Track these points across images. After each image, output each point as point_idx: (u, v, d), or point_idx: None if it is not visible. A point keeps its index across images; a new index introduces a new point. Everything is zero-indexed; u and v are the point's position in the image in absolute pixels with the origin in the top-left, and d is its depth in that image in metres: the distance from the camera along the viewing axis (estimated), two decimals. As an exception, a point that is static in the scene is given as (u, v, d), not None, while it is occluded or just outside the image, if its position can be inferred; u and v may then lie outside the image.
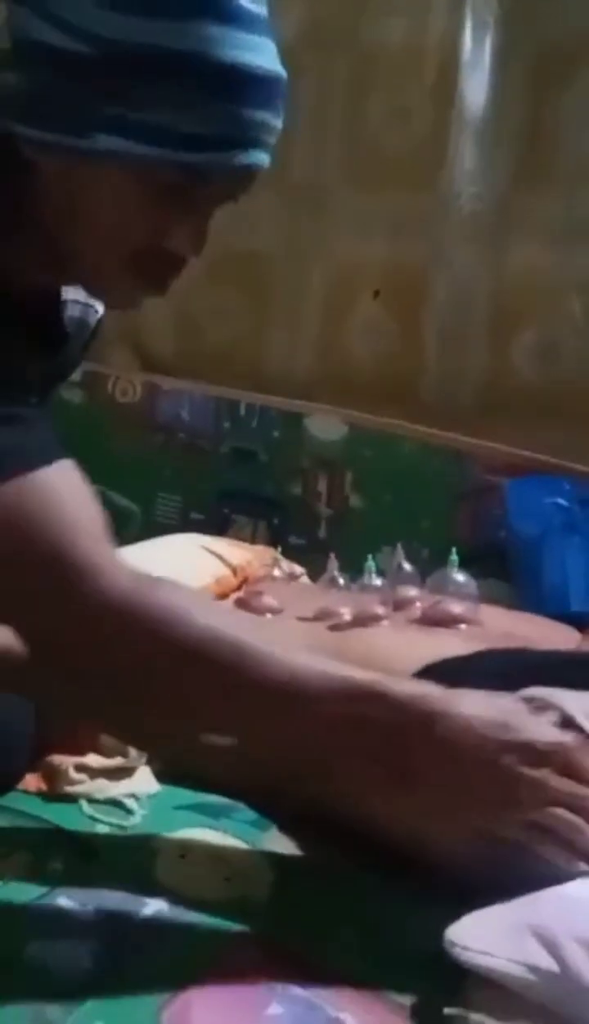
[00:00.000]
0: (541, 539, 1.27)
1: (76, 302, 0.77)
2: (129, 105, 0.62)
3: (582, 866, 0.67)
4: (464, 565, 1.21)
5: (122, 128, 0.63)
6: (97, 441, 1.81)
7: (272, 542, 1.64)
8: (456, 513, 1.48)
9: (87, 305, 0.80)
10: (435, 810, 0.69)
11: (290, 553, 1.46)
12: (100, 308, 0.83)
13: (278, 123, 0.68)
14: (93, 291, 0.75)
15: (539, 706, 0.71)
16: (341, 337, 1.62)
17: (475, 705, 0.67)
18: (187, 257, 0.70)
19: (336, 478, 1.62)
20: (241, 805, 0.86)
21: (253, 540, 1.65)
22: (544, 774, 0.65)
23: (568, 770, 0.66)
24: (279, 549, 1.19)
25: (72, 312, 0.77)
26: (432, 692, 0.68)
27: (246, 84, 0.64)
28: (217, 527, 1.65)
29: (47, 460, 0.66)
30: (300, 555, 1.45)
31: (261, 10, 0.65)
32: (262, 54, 0.65)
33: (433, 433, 1.50)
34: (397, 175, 1.56)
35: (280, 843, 0.82)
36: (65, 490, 0.66)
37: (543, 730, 0.67)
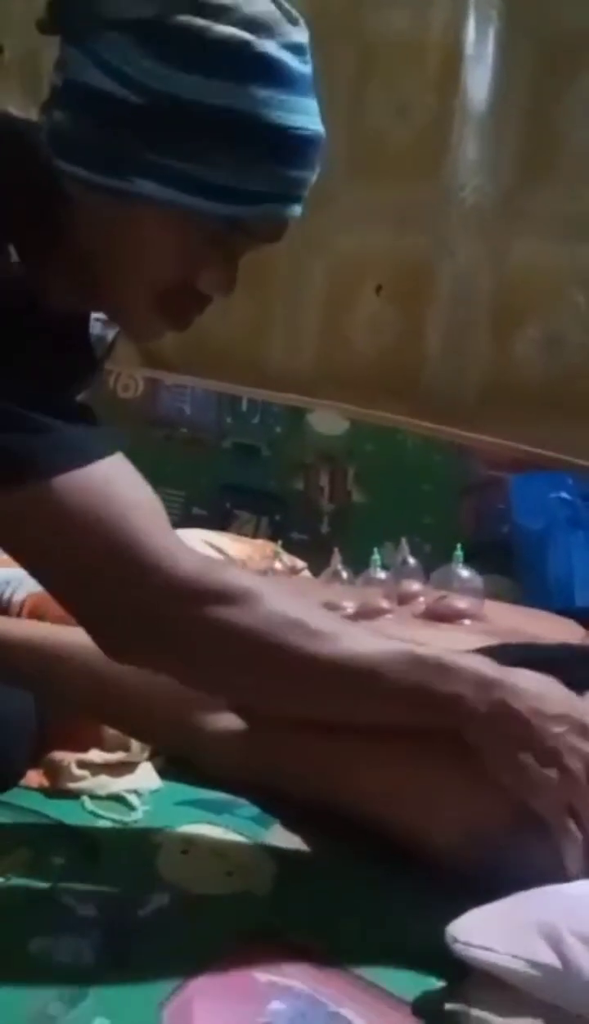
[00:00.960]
0: (545, 534, 1.26)
1: (97, 319, 0.78)
2: (171, 154, 0.64)
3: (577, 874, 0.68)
4: (467, 560, 1.21)
5: (162, 175, 0.64)
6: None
7: (274, 537, 1.64)
8: (459, 508, 1.48)
9: (107, 322, 0.81)
10: (488, 773, 0.70)
11: (293, 548, 1.46)
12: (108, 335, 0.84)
13: (314, 177, 0.70)
14: (118, 322, 0.76)
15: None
16: (343, 331, 1.62)
17: (530, 679, 0.70)
18: (212, 297, 0.72)
19: (338, 473, 1.61)
20: (243, 801, 0.86)
21: (255, 535, 1.65)
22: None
23: None
24: (280, 543, 1.18)
25: (93, 329, 0.78)
26: (489, 665, 0.71)
27: (289, 145, 0.66)
28: (219, 522, 1.64)
29: (101, 454, 0.67)
30: (303, 550, 1.45)
31: (307, 69, 0.67)
32: (306, 115, 0.66)
33: (435, 428, 1.50)
34: (400, 168, 1.55)
35: (282, 838, 0.82)
36: (123, 480, 0.69)
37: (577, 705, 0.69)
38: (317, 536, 1.62)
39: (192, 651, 0.70)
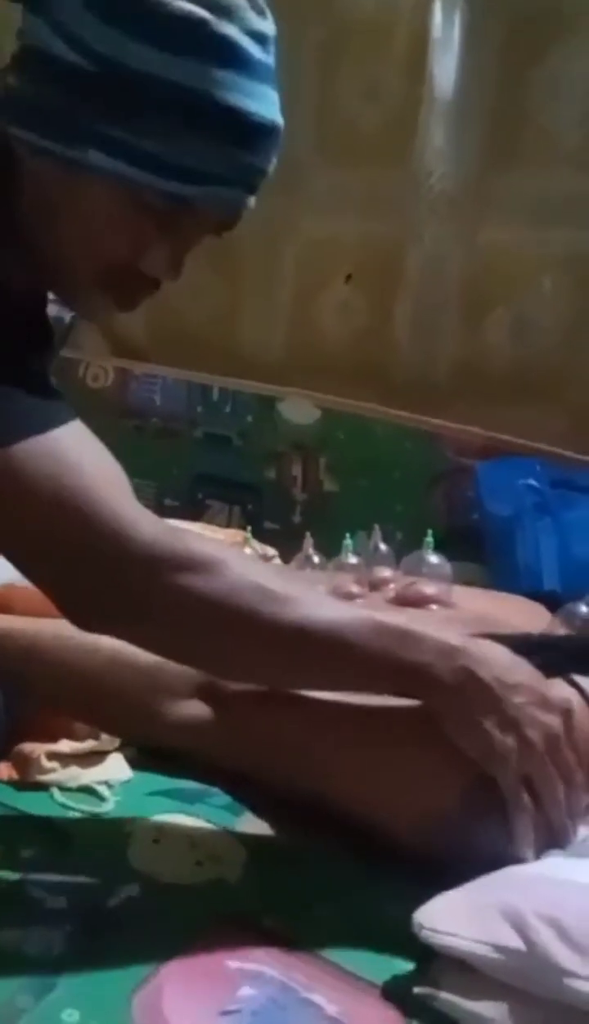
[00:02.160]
0: (514, 520, 1.27)
1: (55, 300, 0.77)
2: (124, 127, 0.63)
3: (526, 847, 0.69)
4: (439, 547, 1.21)
5: (113, 147, 0.63)
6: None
7: (246, 527, 1.64)
8: (430, 496, 1.48)
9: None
10: (449, 739, 0.71)
11: (265, 538, 1.45)
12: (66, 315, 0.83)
13: (269, 169, 0.69)
14: (63, 297, 0.75)
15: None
16: (314, 317, 1.62)
17: (494, 649, 0.71)
18: (161, 280, 0.71)
19: (310, 462, 1.61)
20: (215, 790, 0.86)
21: (228, 525, 1.64)
22: (554, 722, 0.69)
23: (569, 732, 0.69)
24: (249, 530, 1.18)
25: (50, 310, 0.77)
26: (455, 634, 0.72)
27: (244, 130, 0.65)
28: (192, 513, 1.64)
29: (60, 421, 0.67)
30: (275, 540, 1.45)
31: (269, 59, 0.66)
32: (264, 103, 0.66)
33: (406, 416, 1.50)
34: (368, 152, 1.55)
35: (254, 826, 0.82)
36: (84, 447, 0.68)
37: (555, 687, 0.71)
38: (290, 525, 1.62)
39: (156, 618, 0.69)
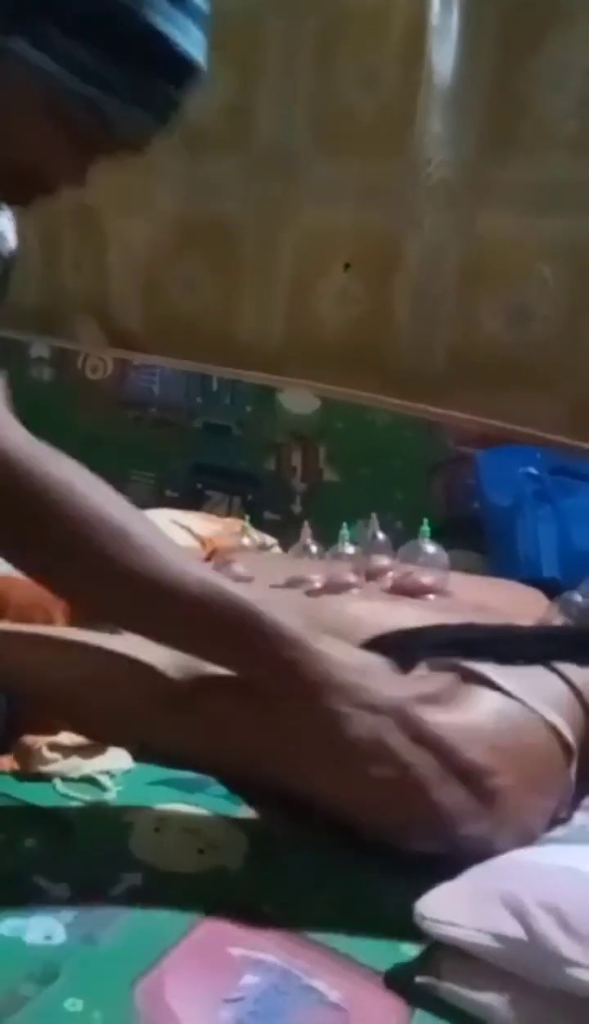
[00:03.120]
0: (513, 509, 1.27)
1: None
2: (54, 22, 0.63)
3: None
4: (438, 536, 1.21)
5: (41, 41, 0.63)
6: (67, 419, 1.79)
7: (255, 518, 1.64)
8: (430, 485, 1.48)
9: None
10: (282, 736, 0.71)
11: (265, 528, 1.45)
12: (10, 239, 0.82)
13: (182, 105, 0.69)
14: None
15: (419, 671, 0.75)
16: (312, 306, 1.61)
17: (337, 648, 0.70)
18: (58, 186, 0.70)
19: (310, 452, 1.61)
20: (214, 780, 0.86)
21: (228, 516, 1.64)
22: (383, 723, 0.68)
23: (405, 724, 0.68)
24: (248, 519, 1.18)
25: None
26: (301, 625, 0.71)
27: (168, 58, 0.65)
28: (191, 503, 1.64)
29: None
30: (275, 530, 1.45)
31: (205, 6, 0.67)
32: (191, 40, 0.66)
33: (405, 405, 1.50)
34: (366, 140, 1.54)
35: (255, 815, 0.83)
36: None
37: (392, 684, 0.70)
38: (289, 515, 1.62)
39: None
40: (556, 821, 0.78)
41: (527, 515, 1.24)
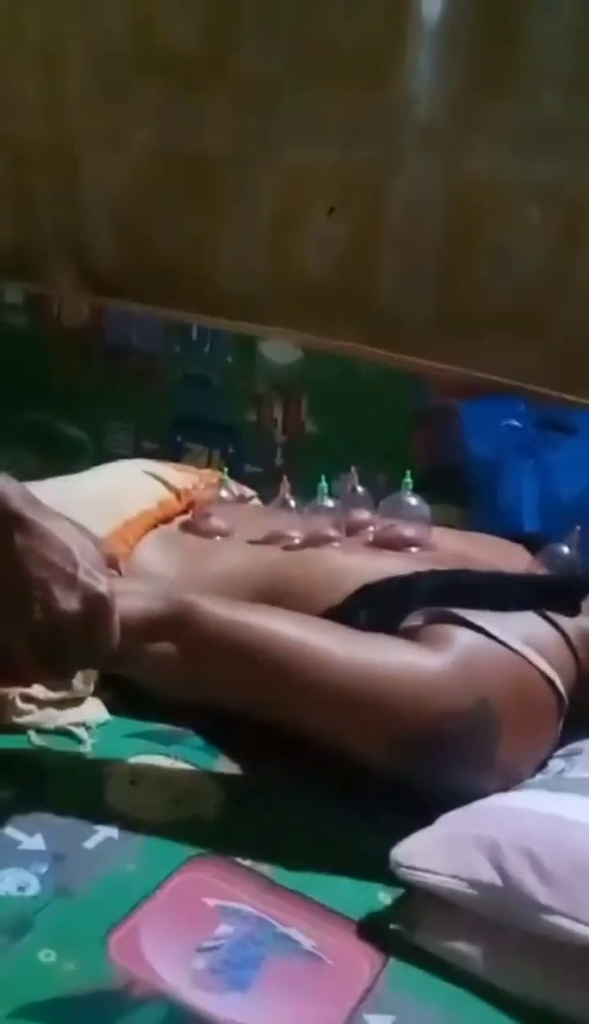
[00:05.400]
0: (496, 462, 1.25)
1: None
2: None
3: None
4: (422, 489, 1.19)
5: None
6: (43, 368, 1.74)
7: (232, 470, 1.61)
8: (413, 436, 1.46)
9: None
10: None
11: (246, 481, 1.43)
12: None
13: None
14: None
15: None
16: (293, 249, 1.57)
17: (56, 522, 0.70)
18: None
19: (292, 404, 1.58)
20: (191, 732, 0.86)
21: (207, 468, 1.62)
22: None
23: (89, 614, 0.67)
24: (225, 471, 1.15)
25: None
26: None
27: None
28: (171, 456, 1.61)
29: None
30: (256, 482, 1.42)
31: None
32: None
33: (388, 355, 1.47)
34: (349, 73, 1.48)
35: (231, 766, 0.82)
36: None
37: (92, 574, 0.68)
38: (271, 468, 1.59)
39: None
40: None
41: (510, 469, 1.22)
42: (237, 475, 1.41)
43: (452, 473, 1.39)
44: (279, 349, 1.56)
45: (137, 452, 1.66)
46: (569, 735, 0.82)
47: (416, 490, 1.07)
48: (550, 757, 0.80)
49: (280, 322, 1.58)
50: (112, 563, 0.80)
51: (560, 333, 1.41)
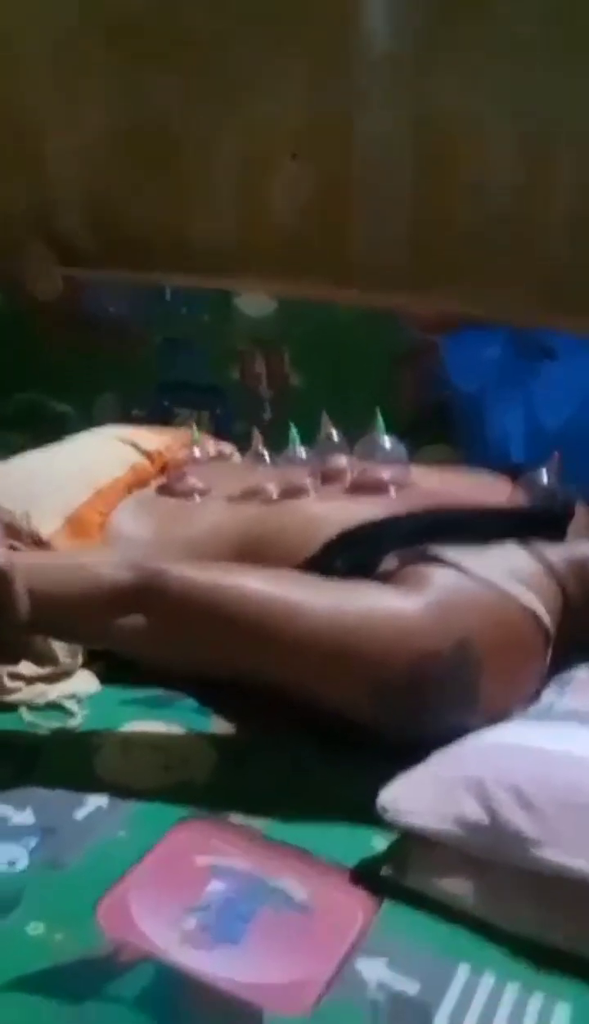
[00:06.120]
0: (480, 395, 1.22)
1: None
2: None
3: None
4: (412, 429, 1.16)
5: None
6: (23, 346, 1.73)
7: (216, 432, 1.59)
8: (398, 377, 1.43)
9: None
10: None
11: (237, 439, 1.41)
12: None
13: None
14: None
15: None
16: (263, 201, 1.53)
17: None
18: None
19: (274, 358, 1.55)
20: (184, 695, 0.85)
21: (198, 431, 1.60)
22: None
23: None
24: (195, 428, 1.13)
25: None
26: None
27: None
28: (159, 422, 1.59)
29: None
30: (247, 441, 1.41)
31: None
32: None
33: (363, 297, 1.43)
34: (306, 16, 1.43)
35: (224, 726, 0.82)
36: None
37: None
38: (260, 424, 1.56)
39: None
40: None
41: (494, 400, 1.19)
42: (227, 434, 1.39)
43: (441, 410, 1.36)
44: (254, 302, 1.53)
45: (125, 421, 1.64)
46: (564, 664, 0.81)
47: (406, 431, 1.05)
48: (544, 688, 0.78)
49: (255, 276, 1.54)
50: (12, 533, 0.79)
51: (537, 260, 1.36)
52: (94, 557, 0.75)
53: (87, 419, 1.73)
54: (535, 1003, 0.55)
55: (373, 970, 0.57)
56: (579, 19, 1.32)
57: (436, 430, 1.36)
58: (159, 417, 1.63)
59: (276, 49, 1.48)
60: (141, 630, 0.73)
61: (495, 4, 1.33)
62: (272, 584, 0.73)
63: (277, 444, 1.11)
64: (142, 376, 1.67)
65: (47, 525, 0.91)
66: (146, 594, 0.71)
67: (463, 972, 0.57)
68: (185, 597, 0.72)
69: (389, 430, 1.05)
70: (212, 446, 1.13)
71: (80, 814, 0.70)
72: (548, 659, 0.77)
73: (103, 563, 0.73)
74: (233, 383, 1.59)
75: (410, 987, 0.55)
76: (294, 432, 0.98)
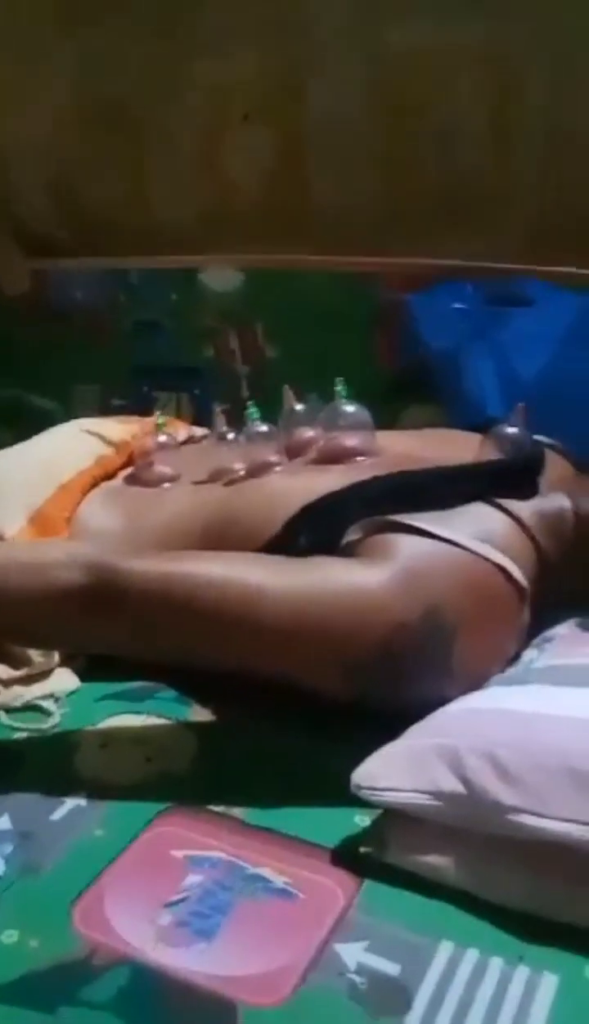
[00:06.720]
0: (455, 350, 1.18)
1: None
2: None
3: None
4: (394, 391, 1.13)
5: None
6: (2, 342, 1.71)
7: (197, 413, 1.57)
8: (374, 340, 1.40)
9: None
10: None
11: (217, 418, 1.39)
12: None
13: None
14: None
15: None
16: (222, 170, 1.49)
17: None
18: None
19: (247, 332, 1.52)
20: (163, 685, 0.84)
21: (179, 414, 1.58)
22: None
23: None
24: (159, 415, 1.10)
25: None
26: None
27: None
28: (140, 408, 1.57)
29: None
30: (229, 421, 1.38)
31: None
32: None
33: (329, 260, 1.40)
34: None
35: (204, 714, 0.80)
36: None
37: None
38: (239, 401, 1.54)
39: None
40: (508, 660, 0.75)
41: (466, 354, 1.16)
42: (208, 414, 1.37)
43: (421, 370, 1.33)
44: (221, 277, 1.50)
45: (106, 410, 1.63)
46: (550, 620, 0.79)
47: (390, 393, 1.02)
48: (525, 647, 0.76)
49: (221, 249, 1.51)
50: None
51: (514, 205, 1.32)
52: (47, 556, 0.72)
53: (68, 412, 1.72)
54: (520, 976, 0.53)
55: (352, 953, 0.55)
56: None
57: (420, 390, 1.33)
58: (140, 403, 1.61)
59: (227, 12, 1.43)
60: (101, 629, 0.71)
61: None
62: (229, 568, 0.71)
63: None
64: (117, 363, 1.64)
65: (10, 524, 0.89)
66: (100, 592, 0.69)
67: (446, 949, 0.55)
68: (139, 591, 0.70)
69: (371, 394, 1.02)
70: (183, 430, 1.11)
71: (57, 815, 0.69)
72: (526, 617, 0.75)
73: (54, 564, 0.70)
74: (208, 361, 1.57)
75: (391, 968, 0.54)
76: (253, 408, 0.95)
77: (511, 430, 0.84)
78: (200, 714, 0.80)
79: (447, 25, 1.33)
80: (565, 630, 0.76)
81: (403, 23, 1.35)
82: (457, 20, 1.33)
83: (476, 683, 0.70)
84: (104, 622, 0.70)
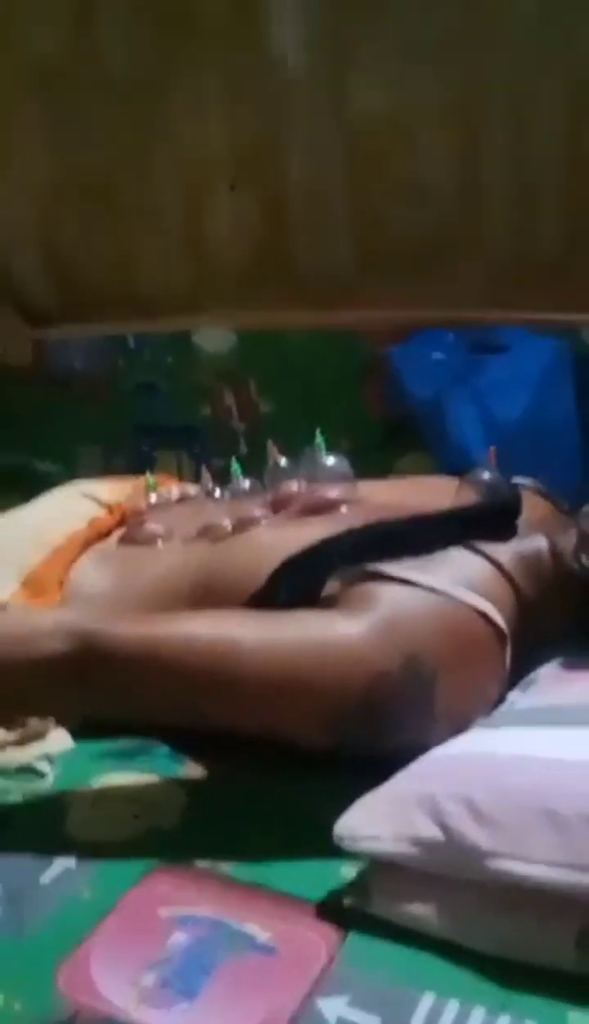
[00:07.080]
0: (438, 398, 1.21)
1: None
2: None
3: None
4: (386, 441, 1.15)
5: None
6: (1, 410, 1.76)
7: (196, 470, 1.59)
8: (363, 391, 1.43)
9: None
10: None
11: (217, 476, 1.41)
12: None
13: None
14: None
15: None
16: (206, 232, 1.54)
17: None
18: None
19: (241, 390, 1.56)
20: (158, 742, 0.84)
21: (179, 472, 1.61)
22: None
23: None
24: (150, 475, 1.13)
25: None
26: None
27: None
28: (141, 468, 1.60)
29: None
30: (226, 477, 1.41)
31: None
32: None
33: (318, 316, 1.43)
34: (218, 41, 1.44)
35: (196, 769, 0.81)
36: None
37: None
38: (239, 457, 1.57)
39: None
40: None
41: (449, 402, 1.18)
42: (207, 470, 1.39)
43: (409, 419, 1.35)
44: (214, 338, 1.54)
45: (109, 471, 1.66)
46: (534, 662, 0.79)
47: (381, 444, 1.04)
48: (508, 690, 0.76)
49: (211, 311, 1.55)
50: None
51: (485, 254, 1.35)
52: (35, 626, 0.73)
53: (72, 475, 1.75)
54: (501, 1025, 0.52)
55: (334, 1008, 0.55)
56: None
57: (411, 439, 1.35)
58: (141, 463, 1.64)
59: (196, 79, 1.50)
60: (89, 695, 0.72)
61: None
62: (213, 626, 0.72)
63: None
64: (118, 425, 1.68)
65: (4, 588, 0.91)
66: (84, 660, 0.70)
67: (427, 1000, 0.54)
68: (123, 656, 0.70)
69: (364, 444, 1.05)
70: (176, 489, 1.13)
71: (47, 877, 0.69)
72: (508, 660, 0.75)
73: (41, 633, 0.72)
74: (205, 420, 1.60)
75: (371, 1021, 0.53)
76: (236, 465, 0.97)
77: (485, 474, 0.85)
78: (193, 770, 0.81)
79: (411, 88, 1.38)
80: (548, 670, 0.76)
81: (370, 86, 1.40)
82: (421, 82, 1.38)
83: (460, 727, 0.70)
84: (92, 688, 0.71)
